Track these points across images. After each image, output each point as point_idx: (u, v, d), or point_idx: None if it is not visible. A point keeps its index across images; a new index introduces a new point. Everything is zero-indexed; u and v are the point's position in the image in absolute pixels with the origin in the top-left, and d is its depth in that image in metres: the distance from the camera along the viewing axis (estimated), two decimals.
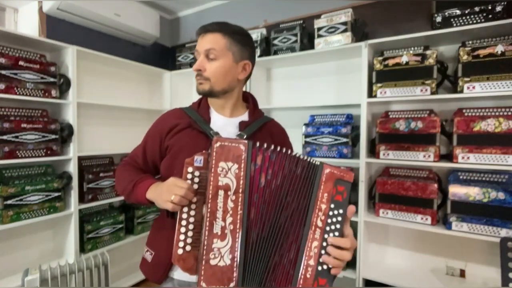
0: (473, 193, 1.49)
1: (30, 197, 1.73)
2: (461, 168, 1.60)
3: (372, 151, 1.81)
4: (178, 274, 0.88)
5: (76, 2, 2.08)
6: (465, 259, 1.69)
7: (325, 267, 0.69)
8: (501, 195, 1.43)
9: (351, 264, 1.83)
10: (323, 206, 0.70)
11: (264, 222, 0.71)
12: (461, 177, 1.61)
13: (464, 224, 1.51)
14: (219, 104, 0.96)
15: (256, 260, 0.70)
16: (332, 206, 0.70)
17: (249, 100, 1.03)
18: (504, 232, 1.42)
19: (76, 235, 1.95)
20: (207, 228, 0.67)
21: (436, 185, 1.58)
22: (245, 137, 0.88)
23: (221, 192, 0.69)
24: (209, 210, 0.68)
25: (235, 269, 0.66)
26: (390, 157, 1.71)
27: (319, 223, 0.69)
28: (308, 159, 0.73)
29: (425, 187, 1.60)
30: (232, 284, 0.66)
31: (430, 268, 1.77)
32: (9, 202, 1.65)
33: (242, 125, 0.93)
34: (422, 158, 1.61)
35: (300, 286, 0.67)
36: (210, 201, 0.68)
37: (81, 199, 2.01)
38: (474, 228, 1.49)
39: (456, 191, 1.53)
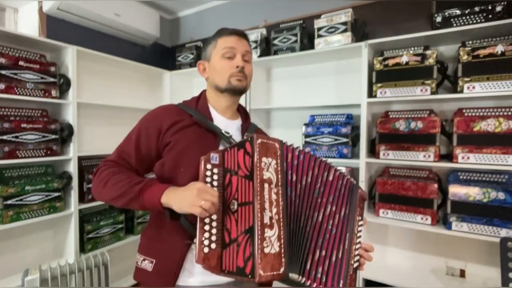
0: (473, 193, 1.49)
1: (30, 197, 1.73)
2: (461, 168, 1.60)
3: (372, 151, 1.81)
4: (183, 280, 0.86)
5: (76, 2, 2.08)
6: (465, 259, 1.69)
7: (356, 265, 0.84)
8: (501, 195, 1.43)
9: None
10: (358, 218, 0.87)
11: (300, 213, 0.77)
12: (461, 177, 1.61)
13: (464, 224, 1.51)
14: (226, 104, 0.98)
15: (296, 246, 0.75)
16: (359, 218, 0.88)
17: (238, 107, 1.07)
18: (504, 232, 1.42)
19: (76, 235, 1.95)
20: (259, 219, 0.70)
21: (436, 185, 1.58)
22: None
23: (266, 185, 0.73)
24: (259, 202, 0.71)
25: (283, 254, 0.70)
26: (390, 157, 1.71)
27: (356, 232, 0.85)
28: (346, 175, 0.88)
29: (425, 187, 1.60)
30: (282, 269, 0.69)
31: (430, 268, 1.77)
32: (9, 202, 1.65)
33: (244, 128, 0.98)
34: (422, 158, 1.61)
35: (348, 280, 0.80)
36: (258, 194, 0.71)
37: (81, 199, 2.01)
38: (474, 228, 1.48)
39: (456, 191, 1.53)
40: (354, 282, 0.83)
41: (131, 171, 0.90)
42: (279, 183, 0.75)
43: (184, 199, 0.73)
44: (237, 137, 0.95)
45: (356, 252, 0.85)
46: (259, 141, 0.75)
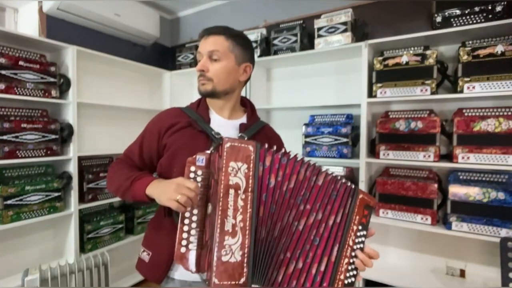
0: (473, 193, 1.49)
1: (30, 197, 1.73)
2: (461, 168, 1.59)
3: (372, 151, 1.81)
4: (179, 274, 0.89)
5: (76, 2, 2.08)
6: (465, 259, 1.69)
7: (350, 280, 0.77)
8: (501, 195, 1.43)
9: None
10: (355, 228, 0.79)
11: (276, 221, 0.74)
12: (461, 177, 1.61)
13: (464, 224, 1.51)
14: (218, 105, 0.97)
15: (266, 256, 0.72)
16: (360, 228, 0.80)
17: (246, 104, 1.05)
18: (504, 232, 1.42)
19: (76, 235, 1.95)
20: (219, 225, 0.69)
21: (436, 185, 1.58)
22: (246, 138, 0.90)
23: (231, 191, 0.71)
24: (220, 208, 0.69)
25: (245, 265, 0.68)
26: (390, 157, 1.70)
27: (351, 243, 0.78)
28: (340, 178, 0.79)
29: (425, 187, 1.60)
30: (242, 280, 0.67)
31: (430, 268, 1.77)
32: (9, 202, 1.65)
33: (242, 127, 0.95)
34: (422, 158, 1.61)
35: None
36: (221, 199, 0.70)
37: (81, 199, 2.01)
38: (474, 228, 1.48)
39: (456, 191, 1.53)
40: None
41: (135, 167, 0.95)
42: (249, 189, 0.71)
43: (163, 192, 0.76)
44: (233, 137, 0.94)
45: (351, 267, 0.77)
46: (228, 144, 0.72)
